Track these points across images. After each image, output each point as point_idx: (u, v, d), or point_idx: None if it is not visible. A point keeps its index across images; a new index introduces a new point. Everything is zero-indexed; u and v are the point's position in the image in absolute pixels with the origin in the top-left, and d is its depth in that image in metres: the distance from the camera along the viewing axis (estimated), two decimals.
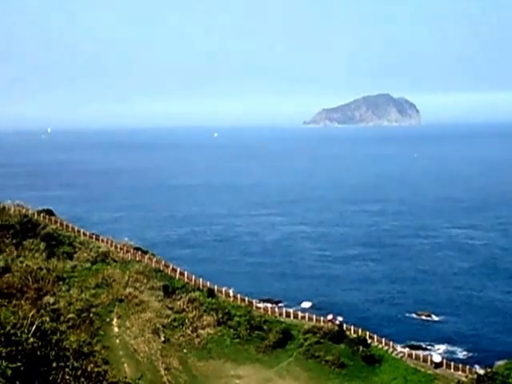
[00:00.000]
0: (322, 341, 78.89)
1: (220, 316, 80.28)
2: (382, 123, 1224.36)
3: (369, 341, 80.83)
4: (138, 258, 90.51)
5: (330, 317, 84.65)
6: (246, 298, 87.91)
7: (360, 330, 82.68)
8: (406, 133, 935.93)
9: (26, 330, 29.75)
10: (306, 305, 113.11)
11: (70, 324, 71.80)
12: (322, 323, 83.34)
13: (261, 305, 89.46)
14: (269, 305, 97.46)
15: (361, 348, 78.69)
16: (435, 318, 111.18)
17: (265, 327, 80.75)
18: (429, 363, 77.59)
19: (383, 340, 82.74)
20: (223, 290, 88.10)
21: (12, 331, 27.31)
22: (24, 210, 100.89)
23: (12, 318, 29.20)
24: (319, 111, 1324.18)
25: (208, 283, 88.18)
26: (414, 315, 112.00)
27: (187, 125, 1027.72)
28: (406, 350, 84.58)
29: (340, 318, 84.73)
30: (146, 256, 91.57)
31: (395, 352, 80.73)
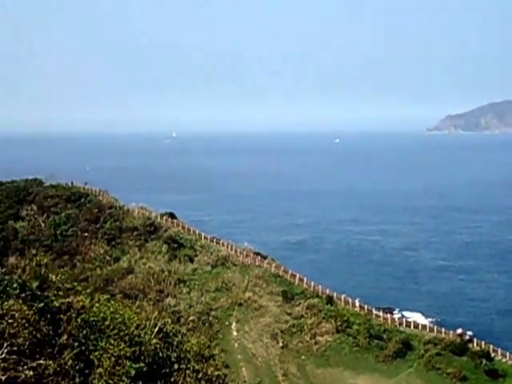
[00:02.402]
0: (443, 352, 76.34)
1: (339, 323, 79.06)
2: (508, 130, 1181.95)
3: (492, 354, 77.60)
4: (257, 263, 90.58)
5: (459, 331, 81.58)
6: (366, 306, 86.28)
7: (483, 343, 79.51)
8: None
9: (148, 331, 29.91)
10: (425, 315, 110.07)
11: (190, 326, 72.62)
12: (443, 334, 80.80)
13: (380, 313, 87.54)
14: (388, 314, 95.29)
15: (484, 361, 75.65)
16: None
17: (384, 336, 79.01)
18: None
19: (508, 354, 79.14)
20: (342, 297, 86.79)
21: (136, 332, 27.44)
22: (147, 213, 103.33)
23: (136, 318, 29.38)
24: (443, 118, 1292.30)
25: (327, 290, 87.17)
26: None
27: (310, 131, 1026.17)
28: None
29: (470, 333, 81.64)
30: (266, 261, 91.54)
31: None
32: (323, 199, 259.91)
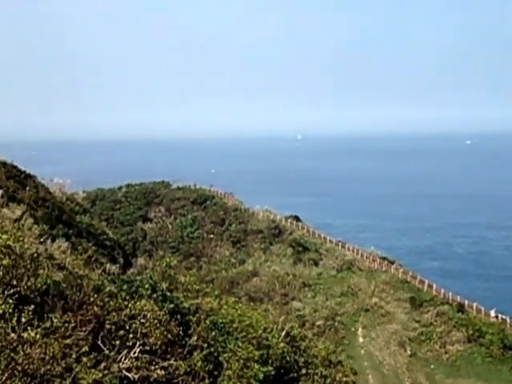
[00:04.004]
0: None
1: (470, 332, 76.14)
2: None
3: None
4: (384, 268, 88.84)
5: None
6: (500, 316, 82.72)
7: None
8: None
9: (276, 335, 29.62)
10: None
11: (316, 331, 72.01)
12: None
13: None
14: None
15: None
16: None
17: None
18: None
19: None
20: (474, 305, 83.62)
21: (263, 335, 27.20)
22: (272, 216, 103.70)
23: (263, 321, 29.17)
24: None
25: (458, 297, 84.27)
26: None
27: (433, 132, 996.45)
28: None
29: None
30: (393, 266, 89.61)
31: None
32: (454, 203, 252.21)
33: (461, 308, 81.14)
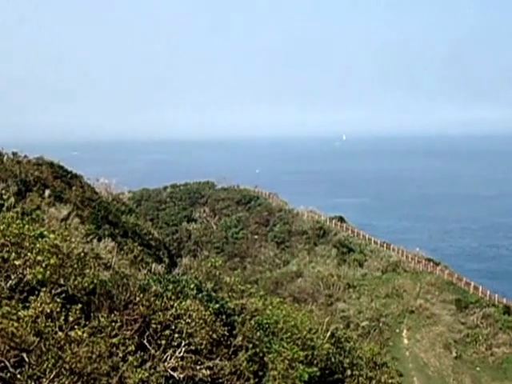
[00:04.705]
0: None
1: None
2: None
3: None
4: (429, 270, 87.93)
5: None
6: None
7: None
8: None
9: (321, 336, 29.51)
10: None
11: (360, 332, 71.62)
12: None
13: None
14: None
15: None
16: None
17: None
18: None
19: None
20: None
21: (308, 336, 27.14)
22: (316, 217, 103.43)
23: (308, 322, 29.12)
24: None
25: (504, 299, 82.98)
26: None
27: (485, 132, 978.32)
28: None
29: None
30: (438, 267, 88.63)
31: None
32: (502, 204, 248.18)
33: (507, 310, 79.88)
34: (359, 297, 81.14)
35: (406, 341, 74.63)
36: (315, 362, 25.93)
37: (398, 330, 76.15)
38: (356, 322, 74.93)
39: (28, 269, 16.35)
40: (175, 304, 19.21)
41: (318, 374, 24.91)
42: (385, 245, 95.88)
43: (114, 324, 16.51)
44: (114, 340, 15.96)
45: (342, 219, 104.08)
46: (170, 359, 17.69)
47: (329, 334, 31.37)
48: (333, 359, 29.04)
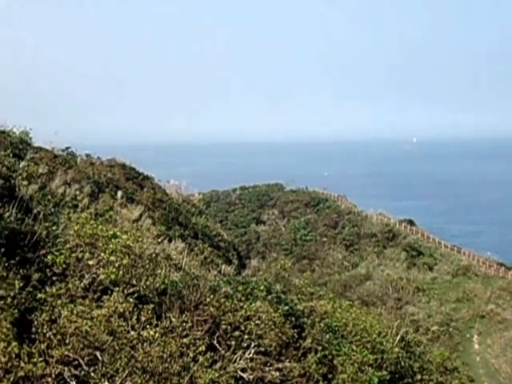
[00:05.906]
0: None
1: None
2: None
3: None
4: (501, 274, 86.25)
5: None
6: None
7: None
8: None
9: (390, 339, 29.24)
10: None
11: (430, 337, 70.68)
12: None
13: None
14: None
15: None
16: None
17: None
18: None
19: None
20: None
21: (377, 339, 26.94)
22: (385, 219, 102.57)
23: (377, 325, 28.91)
24: None
25: None
26: None
27: None
28: None
29: None
30: (510, 272, 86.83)
31: None
32: None
33: None
34: (429, 301, 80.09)
35: (476, 346, 73.29)
36: (385, 365, 25.73)
37: (468, 335, 74.86)
38: (426, 326, 73.95)
39: (101, 269, 16.63)
40: (245, 305, 19.30)
41: (388, 377, 24.73)
42: (455, 248, 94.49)
43: (184, 324, 16.67)
44: (185, 340, 16.12)
45: (411, 222, 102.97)
46: (240, 360, 17.77)
47: (398, 337, 31.06)
48: (402, 363, 28.74)
